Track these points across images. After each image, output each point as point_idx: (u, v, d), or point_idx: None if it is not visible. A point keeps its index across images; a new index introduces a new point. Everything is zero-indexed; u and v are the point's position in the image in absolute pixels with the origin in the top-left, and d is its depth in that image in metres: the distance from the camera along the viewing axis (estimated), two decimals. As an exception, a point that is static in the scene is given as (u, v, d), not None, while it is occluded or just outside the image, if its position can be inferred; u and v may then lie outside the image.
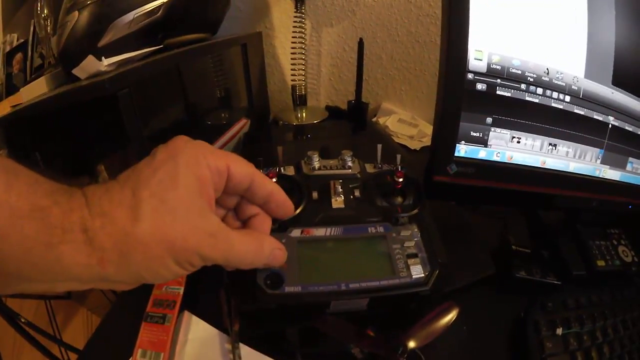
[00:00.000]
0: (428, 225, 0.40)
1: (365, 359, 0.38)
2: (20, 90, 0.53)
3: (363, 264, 0.37)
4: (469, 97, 0.42)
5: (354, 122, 0.81)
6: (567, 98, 0.45)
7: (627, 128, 0.49)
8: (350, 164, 0.44)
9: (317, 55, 0.92)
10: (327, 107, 0.91)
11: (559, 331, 0.42)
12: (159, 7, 0.51)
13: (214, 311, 0.43)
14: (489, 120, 0.43)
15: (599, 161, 0.49)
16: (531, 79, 0.43)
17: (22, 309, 0.95)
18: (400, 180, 0.41)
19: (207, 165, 0.26)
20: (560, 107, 0.45)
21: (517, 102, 0.43)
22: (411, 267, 0.36)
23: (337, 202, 0.40)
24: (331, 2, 0.85)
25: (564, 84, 0.44)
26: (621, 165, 0.51)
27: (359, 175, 0.43)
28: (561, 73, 0.44)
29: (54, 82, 0.52)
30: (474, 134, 0.43)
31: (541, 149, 0.46)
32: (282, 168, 0.43)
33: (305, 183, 0.41)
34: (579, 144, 0.47)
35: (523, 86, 0.43)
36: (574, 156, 0.47)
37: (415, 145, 0.84)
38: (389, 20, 0.86)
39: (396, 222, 0.39)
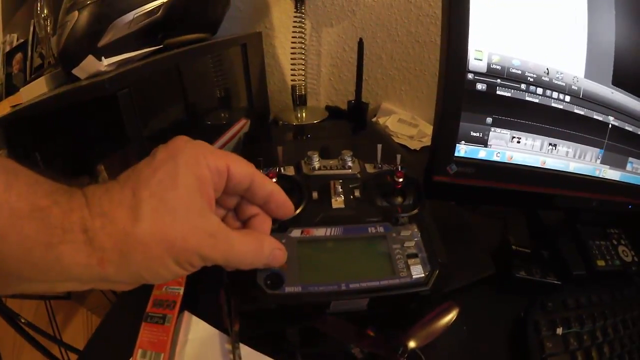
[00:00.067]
0: (428, 225, 0.40)
1: (365, 359, 0.38)
2: (20, 90, 0.53)
3: (363, 264, 0.37)
4: (469, 97, 0.42)
5: (354, 122, 0.81)
6: (567, 98, 0.45)
7: (627, 128, 0.49)
8: (350, 164, 0.44)
9: (317, 55, 0.92)
10: (327, 107, 0.91)
11: (559, 331, 0.42)
12: (159, 7, 0.51)
13: (214, 311, 0.43)
14: (489, 120, 0.43)
15: (598, 161, 0.49)
16: (531, 79, 0.43)
17: (22, 310, 0.95)
18: (400, 180, 0.41)
19: (207, 165, 0.26)
20: (560, 107, 0.45)
21: (517, 102, 0.43)
22: (411, 267, 0.36)
23: (337, 202, 0.40)
24: (331, 2, 0.85)
25: (564, 84, 0.44)
26: (621, 165, 0.51)
27: (359, 175, 0.43)
28: (561, 73, 0.44)
29: (54, 82, 0.52)
30: (474, 134, 0.43)
31: (541, 149, 0.46)
32: (282, 168, 0.43)
33: (305, 183, 0.41)
34: (579, 144, 0.47)
35: (523, 86, 0.43)
36: (574, 156, 0.47)
37: (415, 145, 0.84)
38: (389, 20, 0.86)
39: (396, 222, 0.39)
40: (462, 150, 0.43)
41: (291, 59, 0.82)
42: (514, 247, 0.51)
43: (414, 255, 0.37)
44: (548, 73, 0.44)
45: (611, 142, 0.49)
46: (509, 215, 0.56)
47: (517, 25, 0.42)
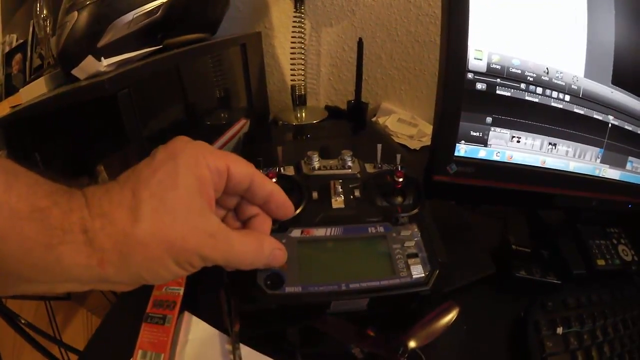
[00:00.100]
0: (428, 225, 0.40)
1: (365, 359, 0.38)
2: (20, 90, 0.53)
3: (363, 264, 0.37)
4: (468, 96, 0.42)
5: (353, 122, 0.81)
6: (567, 97, 0.45)
7: (626, 127, 0.49)
8: (350, 163, 0.44)
9: (316, 55, 0.92)
10: (327, 107, 0.91)
11: (559, 330, 0.42)
12: (158, 7, 0.51)
13: (214, 312, 0.43)
14: (489, 119, 0.43)
15: (598, 160, 0.49)
16: (531, 79, 0.43)
17: (22, 310, 0.95)
18: (400, 180, 0.41)
19: (207, 165, 0.26)
20: (560, 106, 0.45)
21: (516, 102, 0.43)
22: (411, 267, 0.36)
23: (337, 202, 0.40)
24: (330, 2, 0.85)
25: (564, 84, 0.44)
26: (621, 165, 0.51)
27: (358, 175, 0.43)
28: (561, 72, 0.44)
29: (54, 82, 0.52)
30: (474, 134, 0.43)
31: (541, 148, 0.46)
32: (281, 168, 0.43)
33: (305, 183, 0.41)
34: (579, 143, 0.47)
35: (523, 86, 0.43)
36: (574, 155, 0.47)
37: (415, 144, 0.84)
38: (389, 20, 0.86)
39: (396, 222, 0.39)
40: (462, 149, 0.43)
41: (291, 59, 0.82)
42: (514, 246, 0.51)
43: (414, 255, 0.37)
44: (548, 72, 0.44)
45: (611, 142, 0.49)
46: (509, 215, 0.56)
47: (516, 24, 0.42)
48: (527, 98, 0.43)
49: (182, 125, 0.72)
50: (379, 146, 0.46)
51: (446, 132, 0.43)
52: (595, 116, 0.47)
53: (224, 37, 0.74)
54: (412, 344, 0.36)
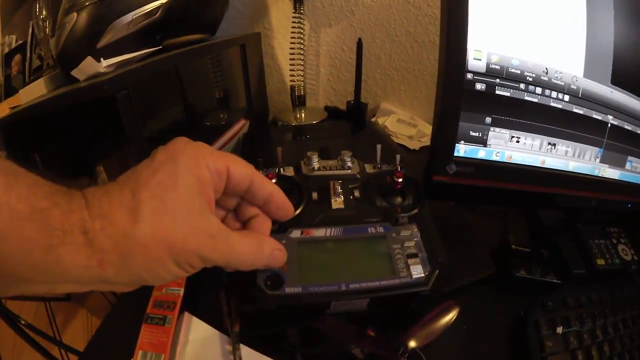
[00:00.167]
0: (428, 225, 0.40)
1: (365, 359, 0.38)
2: (19, 91, 0.53)
3: (363, 264, 0.37)
4: (468, 96, 0.42)
5: (353, 122, 0.81)
6: (566, 97, 0.45)
7: (626, 127, 0.49)
8: (349, 164, 0.44)
9: (315, 55, 0.92)
10: (326, 108, 0.91)
11: (559, 330, 0.42)
12: (158, 8, 0.51)
13: (214, 312, 0.43)
14: (488, 119, 0.43)
15: (598, 160, 0.49)
16: (530, 79, 0.43)
17: (22, 311, 0.95)
18: (400, 180, 0.41)
19: (206, 166, 0.26)
20: (560, 106, 0.45)
21: (516, 102, 0.43)
22: (411, 267, 0.36)
23: (337, 202, 0.40)
24: (330, 2, 0.85)
25: (563, 84, 0.44)
26: (620, 164, 0.51)
27: (358, 176, 0.43)
28: (560, 72, 0.44)
29: (53, 83, 0.52)
30: (473, 134, 0.43)
31: (540, 148, 0.46)
32: (281, 169, 0.43)
33: (304, 184, 0.41)
34: (578, 143, 0.47)
35: (522, 86, 0.43)
36: (574, 155, 0.48)
37: (414, 145, 0.84)
38: (388, 20, 0.86)
39: (396, 222, 0.39)
40: (462, 150, 0.43)
41: (290, 59, 0.82)
42: (513, 246, 0.51)
43: (414, 255, 0.37)
44: (547, 72, 0.44)
45: (610, 141, 0.49)
46: (509, 215, 0.56)
47: (516, 24, 0.42)
48: (526, 98, 0.43)
49: (181, 126, 0.72)
50: (379, 146, 0.46)
51: (445, 132, 0.43)
52: (594, 116, 0.47)
53: (224, 37, 0.74)
54: (412, 343, 0.36)
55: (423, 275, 0.36)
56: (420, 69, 0.91)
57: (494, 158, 0.45)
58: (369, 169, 0.45)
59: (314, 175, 0.43)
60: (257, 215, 0.31)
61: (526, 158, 0.46)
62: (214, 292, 0.43)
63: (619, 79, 0.47)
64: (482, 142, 0.44)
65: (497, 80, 0.42)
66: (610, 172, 0.51)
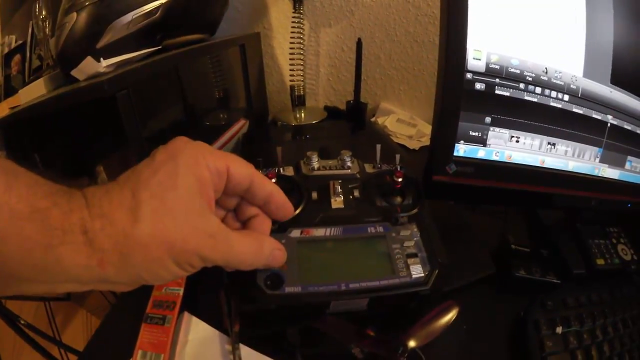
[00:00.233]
0: (427, 224, 0.40)
1: (365, 359, 0.38)
2: (19, 91, 0.53)
3: (363, 264, 0.37)
4: (467, 96, 0.42)
5: (352, 122, 0.81)
6: (566, 97, 0.45)
7: (625, 127, 0.49)
8: (349, 164, 0.44)
9: (315, 55, 0.92)
10: (326, 108, 0.91)
11: (559, 330, 0.42)
12: (158, 8, 0.51)
13: (214, 312, 0.43)
14: (488, 119, 0.43)
15: (597, 160, 0.49)
16: (530, 79, 0.43)
17: (22, 311, 0.95)
18: (400, 180, 0.41)
19: (206, 166, 0.26)
20: (559, 106, 0.45)
21: (515, 102, 0.43)
22: (411, 266, 0.36)
23: (337, 202, 0.40)
24: (329, 2, 0.85)
25: (563, 83, 0.44)
26: (620, 164, 0.51)
27: (358, 176, 0.43)
28: (560, 72, 0.44)
29: (53, 83, 0.52)
30: (473, 134, 0.43)
31: (540, 148, 0.46)
32: (281, 168, 0.43)
33: (304, 183, 0.41)
34: (578, 143, 0.47)
35: (522, 85, 0.43)
36: (573, 155, 0.48)
37: (414, 145, 0.84)
38: (387, 20, 0.86)
39: (396, 222, 0.39)
40: (461, 149, 0.43)
41: (290, 59, 0.82)
42: (513, 246, 0.51)
43: (414, 255, 0.37)
44: (547, 72, 0.44)
45: (610, 141, 0.49)
46: (509, 215, 0.56)
47: (515, 24, 0.42)
48: (526, 98, 0.43)
49: (181, 126, 0.72)
50: (378, 146, 0.46)
51: (445, 132, 0.43)
52: (594, 116, 0.47)
53: (223, 37, 0.74)
54: (412, 343, 0.36)
55: (423, 275, 0.36)
56: (419, 68, 0.91)
57: (494, 158, 0.45)
58: (368, 168, 0.45)
59: (313, 175, 0.43)
60: (257, 215, 0.31)
61: (526, 158, 0.46)
62: (214, 292, 0.43)
63: (619, 79, 0.47)
64: (482, 141, 0.44)
65: (497, 80, 0.42)
66: (610, 172, 0.51)
